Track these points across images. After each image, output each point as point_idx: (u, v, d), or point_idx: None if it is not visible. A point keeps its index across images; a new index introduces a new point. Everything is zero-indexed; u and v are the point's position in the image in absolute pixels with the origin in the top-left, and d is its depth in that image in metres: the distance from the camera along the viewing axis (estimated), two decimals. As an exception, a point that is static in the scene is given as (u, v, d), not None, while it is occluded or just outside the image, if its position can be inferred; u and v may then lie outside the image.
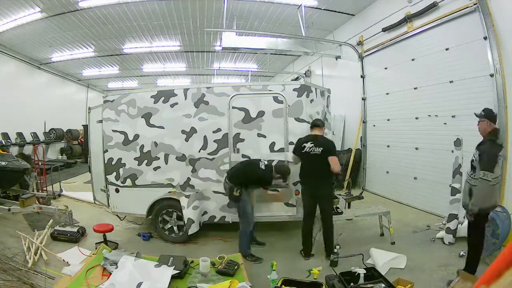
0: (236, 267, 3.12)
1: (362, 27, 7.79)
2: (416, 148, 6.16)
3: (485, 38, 4.59)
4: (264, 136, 4.42)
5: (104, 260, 3.13)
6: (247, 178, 3.97)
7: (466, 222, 3.46)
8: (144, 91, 4.92)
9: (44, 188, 6.91)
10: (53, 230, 4.59)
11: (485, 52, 4.60)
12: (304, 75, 11.54)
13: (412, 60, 6.21)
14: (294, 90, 4.41)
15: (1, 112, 9.93)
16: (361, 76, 7.95)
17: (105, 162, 4.87)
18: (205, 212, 4.61)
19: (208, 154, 4.54)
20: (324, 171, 3.81)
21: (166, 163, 4.65)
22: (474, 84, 4.86)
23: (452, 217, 4.24)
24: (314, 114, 4.55)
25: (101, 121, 4.91)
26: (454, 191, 4.28)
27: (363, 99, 7.94)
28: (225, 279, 2.89)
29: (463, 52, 5.05)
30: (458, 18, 5.11)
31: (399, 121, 6.69)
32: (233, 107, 4.47)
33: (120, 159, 4.78)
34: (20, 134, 10.91)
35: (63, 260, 3.74)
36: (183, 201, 4.35)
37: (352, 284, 2.88)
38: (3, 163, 5.34)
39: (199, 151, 4.57)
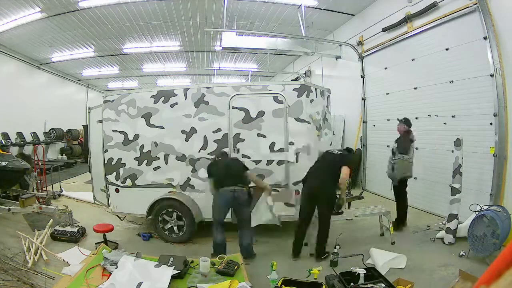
0: (236, 267, 3.12)
1: (362, 27, 7.79)
2: (416, 148, 6.13)
3: (485, 38, 4.59)
4: (264, 136, 4.42)
5: (104, 260, 3.12)
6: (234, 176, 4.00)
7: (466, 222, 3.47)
8: (144, 91, 4.92)
9: (44, 188, 6.91)
10: (53, 230, 4.59)
11: (485, 52, 4.59)
12: (304, 75, 11.54)
13: (412, 60, 6.20)
14: (294, 90, 4.41)
15: (1, 112, 9.93)
16: (361, 76, 7.95)
17: (105, 162, 4.87)
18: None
19: (208, 154, 4.54)
20: (332, 177, 3.79)
21: (166, 163, 4.65)
22: (474, 84, 4.86)
23: (452, 217, 4.24)
24: (314, 114, 4.56)
25: (101, 121, 4.92)
26: (454, 191, 4.28)
27: (363, 99, 7.94)
28: (225, 279, 2.89)
29: (463, 52, 5.05)
30: (458, 18, 5.11)
31: (399, 121, 6.68)
32: (233, 107, 4.47)
33: (120, 159, 4.78)
34: (20, 134, 10.91)
35: (63, 260, 3.74)
36: None
37: (352, 284, 2.88)
38: (3, 163, 5.34)
39: (199, 151, 4.57)
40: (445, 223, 4.37)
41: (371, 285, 2.82)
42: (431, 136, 5.76)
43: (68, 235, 4.52)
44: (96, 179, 5.37)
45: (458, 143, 4.29)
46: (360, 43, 7.90)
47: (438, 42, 5.55)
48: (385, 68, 7.13)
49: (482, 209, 3.81)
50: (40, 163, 7.28)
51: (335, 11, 8.02)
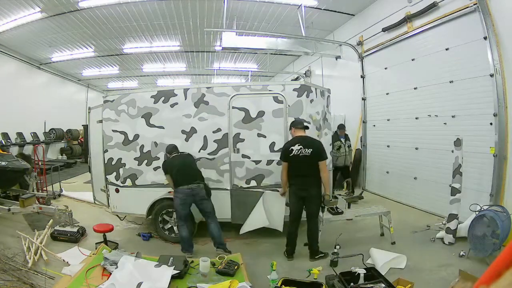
0: (236, 267, 3.12)
1: (362, 27, 7.79)
2: (416, 148, 6.16)
3: (485, 38, 4.59)
4: (264, 136, 4.42)
5: (104, 260, 3.12)
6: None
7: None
8: (144, 91, 4.92)
9: (44, 188, 6.91)
10: (53, 230, 4.59)
11: (485, 52, 4.60)
12: (304, 75, 11.55)
13: (412, 60, 6.21)
14: (294, 90, 4.41)
15: (1, 112, 9.93)
16: (361, 76, 7.95)
17: (105, 162, 4.87)
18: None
19: (208, 154, 4.54)
20: (313, 172, 3.80)
21: (166, 163, 4.65)
22: (474, 84, 4.86)
23: (452, 217, 4.24)
24: (314, 114, 4.55)
25: (101, 121, 4.91)
26: (454, 191, 4.28)
27: (363, 99, 7.94)
28: (225, 279, 2.89)
29: (463, 52, 5.05)
30: (458, 18, 5.11)
31: (399, 121, 6.69)
32: (233, 107, 4.47)
33: (120, 159, 4.78)
34: (20, 134, 10.91)
35: (63, 260, 3.74)
36: None
37: (352, 284, 2.88)
38: (3, 163, 5.34)
39: (199, 151, 4.57)
40: (445, 223, 4.37)
41: (371, 285, 2.82)
42: (431, 136, 5.76)
43: (68, 235, 4.52)
44: (96, 179, 5.37)
45: (458, 143, 4.29)
46: (360, 43, 7.90)
47: (438, 42, 5.56)
48: (385, 68, 7.13)
49: (482, 209, 3.81)
50: (40, 163, 7.28)
51: (335, 11, 8.02)
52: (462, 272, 3.05)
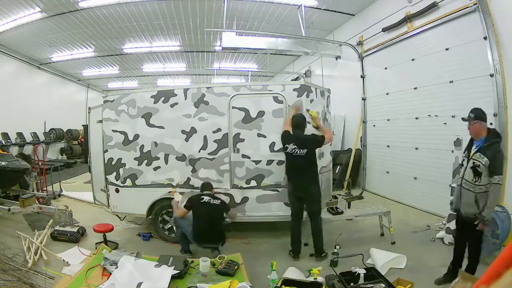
0: (236, 267, 3.12)
1: (362, 27, 7.79)
2: (416, 148, 6.16)
3: (485, 38, 4.59)
4: (264, 136, 4.42)
5: (104, 260, 3.12)
6: None
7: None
8: (144, 91, 4.92)
9: (44, 188, 6.91)
10: (53, 230, 4.59)
11: (485, 52, 4.60)
12: (304, 75, 11.54)
13: (412, 60, 6.21)
14: (294, 90, 4.41)
15: (1, 112, 9.93)
16: (361, 76, 7.95)
17: (105, 162, 4.87)
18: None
19: (208, 154, 4.54)
20: (309, 172, 3.83)
21: (166, 163, 4.65)
22: (474, 84, 4.86)
23: (452, 217, 4.23)
24: (314, 114, 4.55)
25: (101, 121, 4.91)
26: (454, 191, 4.28)
27: (363, 99, 7.94)
28: (225, 279, 2.89)
29: (463, 52, 5.05)
30: (458, 18, 5.12)
31: (399, 121, 6.69)
32: (233, 107, 4.47)
33: (120, 159, 4.78)
34: (20, 134, 10.91)
35: (63, 260, 3.74)
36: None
37: (352, 284, 2.88)
38: (3, 163, 5.34)
39: (199, 151, 4.57)
40: (445, 223, 4.37)
41: (371, 285, 2.82)
42: (431, 136, 5.76)
43: (68, 235, 4.52)
44: (96, 179, 5.37)
45: (458, 143, 4.29)
46: (360, 43, 7.91)
47: (438, 42, 5.56)
48: (385, 68, 7.13)
49: (482, 209, 3.80)
50: (40, 163, 7.27)
51: (335, 11, 8.02)
52: (462, 272, 3.05)
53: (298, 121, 3.94)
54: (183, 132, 4.59)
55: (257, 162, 4.43)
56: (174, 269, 2.96)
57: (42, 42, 9.85)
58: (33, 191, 6.01)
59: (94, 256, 3.30)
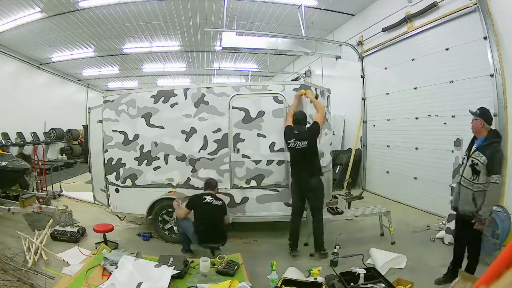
0: (236, 267, 3.12)
1: (362, 27, 7.79)
2: (416, 148, 6.16)
3: (485, 38, 4.59)
4: (264, 136, 4.42)
5: (104, 260, 3.12)
6: None
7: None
8: (144, 91, 4.92)
9: (44, 188, 6.90)
10: (53, 230, 4.59)
11: (485, 52, 4.60)
12: (304, 75, 11.55)
13: (412, 60, 6.21)
14: (294, 90, 4.41)
15: (1, 112, 9.93)
16: (361, 76, 7.95)
17: (105, 162, 4.87)
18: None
19: (208, 154, 4.54)
20: (311, 164, 3.88)
21: (166, 163, 4.65)
22: (474, 84, 4.86)
23: (452, 217, 4.22)
24: (314, 114, 4.55)
25: (101, 121, 4.91)
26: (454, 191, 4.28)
27: (363, 99, 7.94)
28: (225, 279, 2.89)
29: (463, 52, 5.05)
30: (458, 18, 5.12)
31: (399, 121, 6.69)
32: (233, 107, 4.47)
33: (120, 159, 4.78)
34: (20, 134, 10.91)
35: (63, 260, 3.74)
36: None
37: (352, 284, 2.88)
38: (3, 163, 5.34)
39: (199, 151, 4.57)
40: (445, 223, 4.37)
41: (371, 285, 2.82)
42: (431, 136, 5.76)
43: (68, 235, 4.52)
44: (96, 179, 5.37)
45: (458, 143, 4.29)
46: (360, 43, 7.91)
47: (438, 42, 5.56)
48: (385, 68, 7.13)
49: (482, 209, 3.80)
50: (40, 163, 7.27)
51: (335, 11, 8.02)
52: (462, 272, 3.05)
53: (299, 117, 3.99)
54: (183, 132, 4.59)
55: (257, 162, 4.43)
56: (174, 269, 2.96)
57: (42, 42, 9.85)
58: (33, 191, 6.01)
59: (94, 256, 3.30)
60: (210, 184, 4.13)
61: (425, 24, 5.78)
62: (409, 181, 6.35)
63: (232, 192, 4.49)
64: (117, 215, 5.14)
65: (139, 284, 2.72)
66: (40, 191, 6.56)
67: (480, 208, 2.84)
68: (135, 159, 4.73)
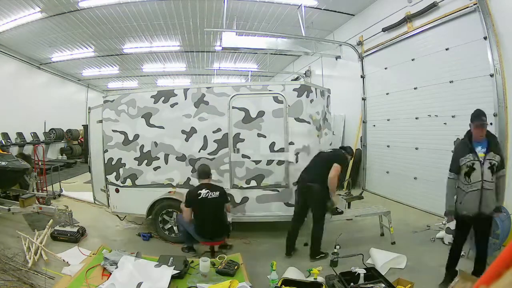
0: (236, 267, 3.12)
1: (362, 27, 7.79)
2: (416, 148, 6.16)
3: (485, 38, 4.59)
4: (264, 136, 4.42)
5: (104, 260, 3.12)
6: None
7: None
8: (144, 91, 4.92)
9: (44, 188, 6.90)
10: (53, 230, 4.59)
11: (485, 52, 4.60)
12: (304, 75, 11.55)
13: (412, 60, 6.21)
14: (294, 90, 4.41)
15: (1, 112, 9.93)
16: (361, 76, 7.95)
17: (105, 162, 4.86)
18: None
19: (208, 154, 4.54)
20: (318, 171, 3.85)
21: (166, 163, 4.65)
22: (474, 84, 4.86)
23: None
24: (314, 114, 4.55)
25: (101, 121, 4.91)
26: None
27: (363, 99, 7.94)
28: (225, 279, 2.89)
29: (463, 52, 5.05)
30: (458, 18, 5.11)
31: (399, 121, 6.69)
32: (233, 107, 4.47)
33: (120, 159, 4.78)
34: (20, 134, 10.91)
35: (63, 260, 3.74)
36: None
37: (352, 284, 2.88)
38: (3, 163, 5.33)
39: (199, 151, 4.57)
40: (445, 223, 4.36)
41: (371, 285, 2.82)
42: (431, 136, 5.76)
43: (68, 235, 4.51)
44: (96, 179, 5.37)
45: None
46: (360, 43, 7.90)
47: (438, 42, 5.55)
48: (385, 68, 7.13)
49: (482, 209, 3.80)
50: (40, 163, 7.27)
51: (335, 11, 8.02)
52: (462, 272, 3.04)
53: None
54: (183, 132, 4.59)
55: (257, 162, 4.43)
56: (174, 269, 2.96)
57: (42, 42, 9.85)
58: (33, 191, 6.01)
59: (94, 256, 3.30)
60: (205, 173, 3.97)
61: (425, 24, 5.78)
62: (409, 181, 6.35)
63: (232, 192, 4.49)
64: (117, 215, 5.14)
65: (139, 284, 2.72)
66: (40, 191, 6.56)
67: (498, 201, 3.04)
68: (135, 159, 4.73)
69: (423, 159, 5.96)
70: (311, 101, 4.51)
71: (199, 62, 13.22)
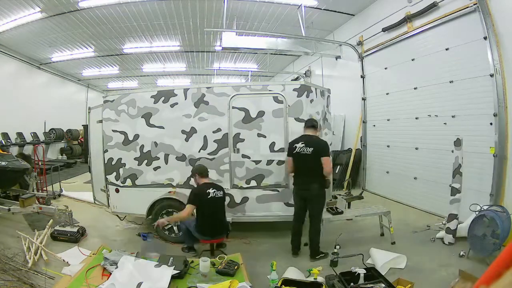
0: (236, 267, 3.11)
1: (362, 27, 7.79)
2: (416, 148, 6.16)
3: (485, 38, 4.59)
4: (264, 136, 4.42)
5: (104, 260, 3.12)
6: None
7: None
8: (144, 91, 4.92)
9: (44, 188, 6.90)
10: (53, 230, 4.59)
11: (485, 52, 4.59)
12: (304, 75, 11.55)
13: (412, 60, 6.21)
14: (294, 90, 4.41)
15: (1, 112, 9.93)
16: (361, 76, 7.95)
17: (105, 162, 4.86)
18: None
19: (208, 154, 4.54)
20: (314, 172, 3.78)
21: (166, 163, 4.65)
22: (474, 84, 4.86)
23: (452, 217, 4.24)
24: (314, 114, 4.55)
25: (101, 121, 4.91)
26: (454, 191, 4.28)
27: (363, 99, 7.94)
28: (225, 279, 2.89)
29: (463, 52, 5.05)
30: (458, 18, 5.11)
31: (399, 121, 6.69)
32: (233, 107, 4.47)
33: (120, 159, 4.78)
34: (20, 134, 10.91)
35: (63, 260, 3.74)
36: None
37: (352, 284, 2.88)
38: (3, 163, 5.33)
39: (199, 151, 4.57)
40: (445, 223, 4.37)
41: (371, 285, 2.82)
42: (431, 136, 5.76)
43: (68, 235, 4.51)
44: (96, 179, 5.37)
45: (458, 143, 4.29)
46: (360, 43, 7.90)
47: (438, 42, 5.55)
48: (385, 68, 7.13)
49: (482, 209, 3.81)
50: (40, 163, 7.27)
51: (335, 11, 8.02)
52: (462, 272, 3.05)
53: (309, 123, 3.95)
54: (183, 132, 4.59)
55: (257, 162, 4.43)
56: (174, 269, 2.96)
57: (42, 42, 9.85)
58: (33, 191, 6.01)
59: (94, 256, 3.30)
60: (206, 172, 3.99)
61: (425, 24, 5.78)
62: (409, 181, 6.35)
63: (232, 192, 4.49)
64: (117, 215, 5.14)
65: (139, 284, 2.72)
66: (40, 191, 6.56)
67: None
68: (135, 159, 4.73)
69: (423, 159, 5.96)
70: (311, 101, 4.51)
71: (199, 62, 13.22)
